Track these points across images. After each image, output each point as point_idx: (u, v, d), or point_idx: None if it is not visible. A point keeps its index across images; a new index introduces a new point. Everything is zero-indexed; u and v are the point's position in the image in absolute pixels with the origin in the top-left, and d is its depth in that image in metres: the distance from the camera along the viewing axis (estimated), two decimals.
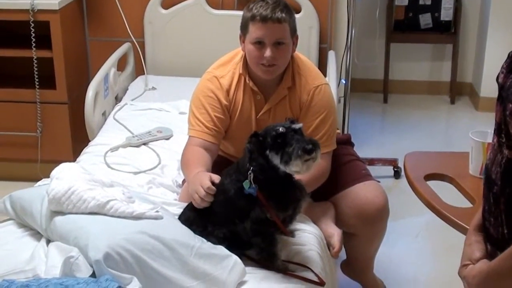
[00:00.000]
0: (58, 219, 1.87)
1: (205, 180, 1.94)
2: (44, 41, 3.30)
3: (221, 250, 1.88)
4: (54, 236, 1.88)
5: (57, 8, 3.26)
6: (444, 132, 4.67)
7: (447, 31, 4.83)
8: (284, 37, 2.16)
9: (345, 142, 2.54)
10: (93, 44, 3.73)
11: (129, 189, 2.12)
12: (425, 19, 4.80)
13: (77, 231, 1.80)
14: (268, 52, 2.14)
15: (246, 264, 1.89)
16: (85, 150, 2.80)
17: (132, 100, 3.32)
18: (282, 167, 1.82)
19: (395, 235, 3.00)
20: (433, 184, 2.09)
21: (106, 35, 3.69)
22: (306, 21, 3.48)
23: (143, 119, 3.06)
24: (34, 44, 3.28)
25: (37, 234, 2.00)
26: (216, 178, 1.96)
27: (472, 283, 1.39)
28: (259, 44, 2.15)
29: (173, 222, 1.96)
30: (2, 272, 1.77)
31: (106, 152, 2.68)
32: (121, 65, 3.54)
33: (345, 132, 3.57)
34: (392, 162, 3.78)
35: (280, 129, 1.82)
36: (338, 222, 2.29)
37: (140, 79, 3.60)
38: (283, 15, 2.14)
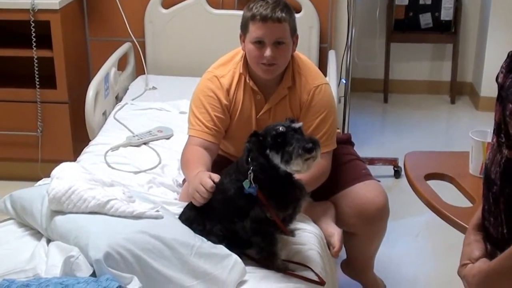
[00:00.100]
0: (59, 218, 1.87)
1: (206, 179, 1.94)
2: (45, 41, 3.30)
3: (221, 249, 1.88)
4: (54, 235, 1.88)
5: (57, 7, 3.26)
6: (444, 132, 4.67)
7: (447, 30, 4.83)
8: (284, 37, 2.17)
9: (345, 141, 2.54)
10: (93, 44, 3.73)
11: (130, 188, 2.12)
12: (425, 19, 4.80)
13: (78, 230, 1.80)
14: (268, 52, 2.14)
15: (246, 264, 1.89)
16: (86, 149, 2.80)
17: (133, 99, 3.32)
18: (282, 166, 1.82)
19: (395, 235, 3.00)
20: (433, 183, 2.09)
21: (106, 35, 3.69)
22: (307, 21, 3.48)
23: (143, 118, 3.06)
24: (34, 44, 3.28)
25: (37, 234, 2.00)
26: (216, 177, 1.96)
27: (472, 282, 1.39)
28: (259, 43, 2.16)
29: (174, 222, 1.96)
30: (2, 271, 1.77)
31: (107, 152, 2.68)
32: (121, 64, 3.54)
33: (345, 131, 3.57)
34: (392, 162, 3.78)
35: (280, 128, 1.83)
36: (338, 222, 2.29)
37: (140, 78, 3.59)
38: (283, 14, 2.14)
